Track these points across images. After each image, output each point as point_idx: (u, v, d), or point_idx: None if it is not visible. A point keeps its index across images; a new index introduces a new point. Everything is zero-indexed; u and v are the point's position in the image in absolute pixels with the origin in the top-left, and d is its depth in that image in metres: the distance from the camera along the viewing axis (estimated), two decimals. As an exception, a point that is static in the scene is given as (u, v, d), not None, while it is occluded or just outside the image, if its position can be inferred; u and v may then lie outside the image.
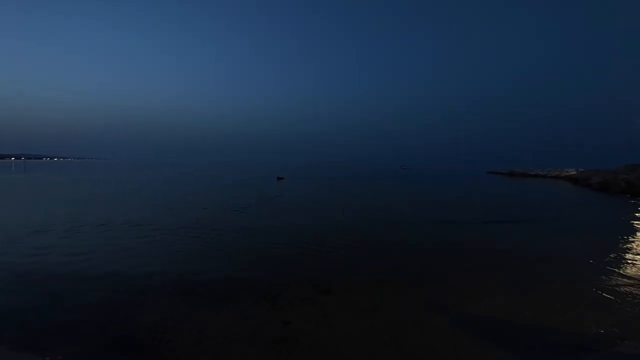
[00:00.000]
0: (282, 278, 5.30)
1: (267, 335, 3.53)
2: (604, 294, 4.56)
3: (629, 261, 6.29)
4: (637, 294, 4.59)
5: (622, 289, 4.80)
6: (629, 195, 19.81)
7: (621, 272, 5.58)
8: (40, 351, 3.19)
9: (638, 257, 6.63)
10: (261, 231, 8.73)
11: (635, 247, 7.48)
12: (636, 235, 8.76)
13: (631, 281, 5.13)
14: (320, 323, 3.82)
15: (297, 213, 12.00)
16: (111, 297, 4.47)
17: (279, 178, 29.62)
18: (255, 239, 7.91)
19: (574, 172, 41.68)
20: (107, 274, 5.31)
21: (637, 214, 12.58)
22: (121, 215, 10.49)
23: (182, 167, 56.30)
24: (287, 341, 3.44)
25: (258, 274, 5.53)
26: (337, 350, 3.29)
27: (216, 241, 7.61)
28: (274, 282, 5.13)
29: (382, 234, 8.71)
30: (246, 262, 6.16)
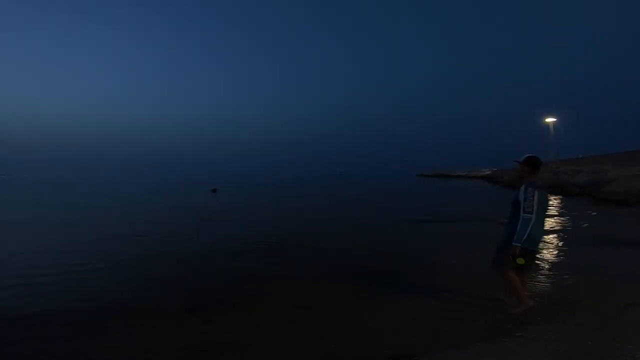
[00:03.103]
0: (207, 289, 5.01)
1: (190, 344, 3.24)
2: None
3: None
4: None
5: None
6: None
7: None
8: None
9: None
10: (184, 243, 8.11)
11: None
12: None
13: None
14: (248, 325, 3.65)
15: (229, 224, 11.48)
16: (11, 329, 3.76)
17: (213, 190, 28.38)
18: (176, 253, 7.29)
19: (489, 172, 46.68)
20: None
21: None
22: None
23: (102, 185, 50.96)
24: (212, 347, 3.19)
25: (180, 288, 5.08)
26: (264, 349, 3.16)
27: (127, 261, 6.82)
28: (198, 293, 4.79)
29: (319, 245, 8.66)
30: (165, 278, 5.61)
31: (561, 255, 6.26)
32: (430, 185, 38.39)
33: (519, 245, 3.31)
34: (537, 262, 3.76)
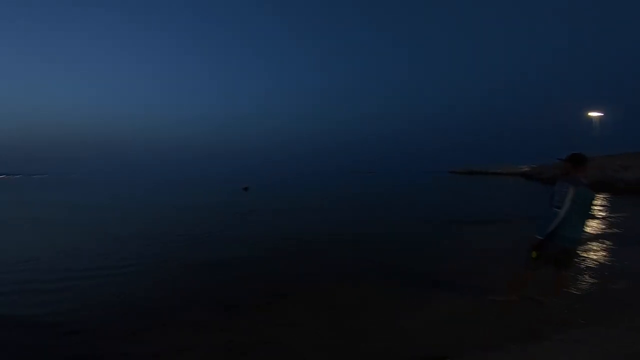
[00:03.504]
0: (240, 287, 5.04)
1: (217, 344, 3.29)
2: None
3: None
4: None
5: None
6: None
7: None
8: None
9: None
10: (218, 240, 8.39)
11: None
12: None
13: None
14: (276, 326, 3.64)
15: (261, 223, 11.73)
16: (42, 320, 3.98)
17: (244, 188, 29.07)
18: (210, 248, 7.56)
19: (527, 169, 44.33)
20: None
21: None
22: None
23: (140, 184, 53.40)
24: (239, 346, 3.24)
25: (212, 285, 5.20)
26: (291, 348, 3.16)
27: (170, 253, 7.16)
28: (230, 291, 4.85)
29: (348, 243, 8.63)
30: (199, 272, 5.82)
31: (609, 257, 5.87)
32: (463, 183, 37.12)
33: (540, 237, 3.34)
34: (578, 261, 3.61)
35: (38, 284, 5.32)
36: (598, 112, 36.57)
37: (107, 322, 3.99)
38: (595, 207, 12.26)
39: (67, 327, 3.83)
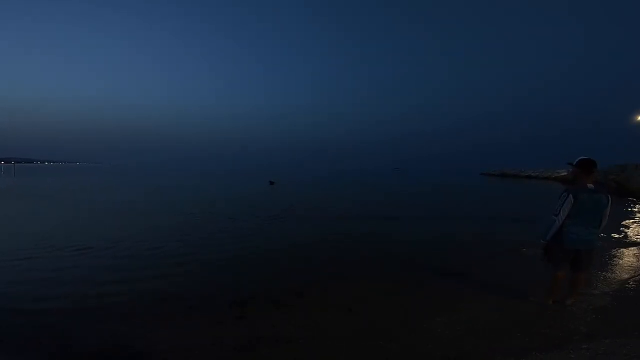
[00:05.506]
0: (256, 283, 5.07)
1: (236, 341, 3.30)
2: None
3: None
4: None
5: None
6: (617, 196, 20.11)
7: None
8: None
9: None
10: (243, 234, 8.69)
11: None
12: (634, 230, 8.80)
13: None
14: (293, 325, 3.65)
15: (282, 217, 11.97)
16: (73, 307, 4.20)
17: (271, 182, 30.68)
18: (235, 241, 7.87)
19: (566, 173, 41.98)
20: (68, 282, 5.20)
21: (629, 215, 12.68)
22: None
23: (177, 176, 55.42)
24: (249, 342, 3.28)
25: (230, 279, 5.29)
26: (311, 351, 3.15)
27: (195, 247, 7.55)
28: (247, 287, 4.88)
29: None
30: (219, 267, 5.92)
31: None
32: (495, 185, 35.72)
33: (544, 242, 3.64)
34: (592, 263, 3.70)
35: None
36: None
37: (140, 307, 4.12)
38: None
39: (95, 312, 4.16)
